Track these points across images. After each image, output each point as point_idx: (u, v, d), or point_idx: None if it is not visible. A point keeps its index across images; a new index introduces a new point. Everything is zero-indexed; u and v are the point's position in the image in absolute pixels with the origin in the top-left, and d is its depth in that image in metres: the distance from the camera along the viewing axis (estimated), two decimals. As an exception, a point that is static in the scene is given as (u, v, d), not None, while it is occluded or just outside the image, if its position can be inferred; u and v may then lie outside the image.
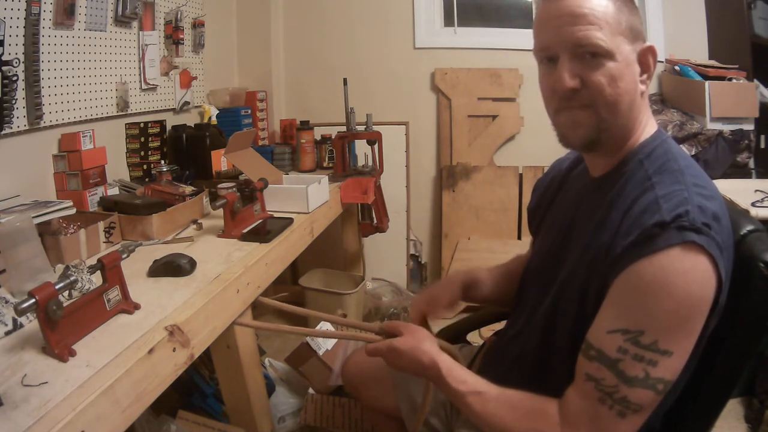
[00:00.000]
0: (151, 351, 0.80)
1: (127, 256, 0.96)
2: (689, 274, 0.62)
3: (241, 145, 1.68)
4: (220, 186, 1.64)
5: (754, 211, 1.58)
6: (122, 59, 1.77)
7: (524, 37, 2.52)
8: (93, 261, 0.92)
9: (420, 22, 2.60)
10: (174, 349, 0.87)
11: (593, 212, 0.77)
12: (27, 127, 1.39)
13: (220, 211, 1.38)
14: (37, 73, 1.40)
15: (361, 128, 2.14)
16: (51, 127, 1.48)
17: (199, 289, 1.04)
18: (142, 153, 1.83)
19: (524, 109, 2.56)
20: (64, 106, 1.52)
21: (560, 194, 0.94)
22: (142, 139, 1.83)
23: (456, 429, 1.00)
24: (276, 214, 1.56)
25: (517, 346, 0.89)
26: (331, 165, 2.29)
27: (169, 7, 2.00)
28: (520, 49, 2.47)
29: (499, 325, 1.06)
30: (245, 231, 1.38)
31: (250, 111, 2.37)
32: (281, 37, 2.72)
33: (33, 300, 0.73)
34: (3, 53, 1.29)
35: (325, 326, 1.75)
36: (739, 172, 2.20)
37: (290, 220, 1.50)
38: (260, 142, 2.44)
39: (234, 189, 1.56)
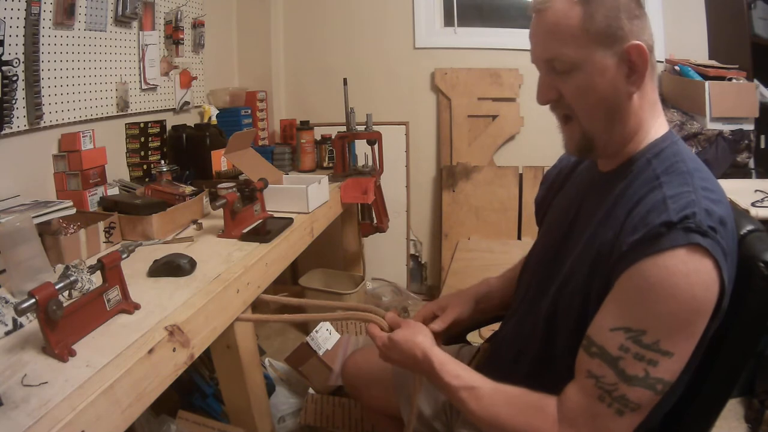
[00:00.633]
0: (151, 351, 0.80)
1: (127, 256, 0.96)
2: (692, 277, 0.62)
3: (241, 145, 1.68)
4: (220, 186, 1.64)
5: (754, 211, 1.59)
6: (122, 59, 1.77)
7: (524, 37, 2.48)
8: (93, 261, 0.92)
9: (420, 22, 2.60)
10: (174, 349, 0.87)
11: (598, 206, 0.77)
12: (27, 127, 1.39)
13: (220, 211, 1.38)
14: (37, 73, 1.40)
15: (361, 128, 2.14)
16: (51, 127, 1.48)
17: (199, 289, 1.04)
18: (142, 153, 1.83)
19: (524, 109, 2.56)
20: (64, 106, 1.52)
21: (566, 186, 0.94)
22: (142, 139, 1.83)
23: (455, 429, 1.00)
24: (276, 214, 1.56)
25: (517, 344, 0.89)
26: (331, 165, 2.30)
27: (169, 7, 2.00)
28: (520, 49, 2.47)
29: (499, 326, 1.06)
30: (245, 231, 1.38)
31: (250, 111, 2.37)
32: (281, 37, 2.72)
33: (33, 300, 0.73)
34: (3, 53, 1.29)
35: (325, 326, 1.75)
36: (739, 172, 2.20)
37: (290, 220, 1.50)
38: (260, 142, 2.44)
39: (234, 189, 1.56)
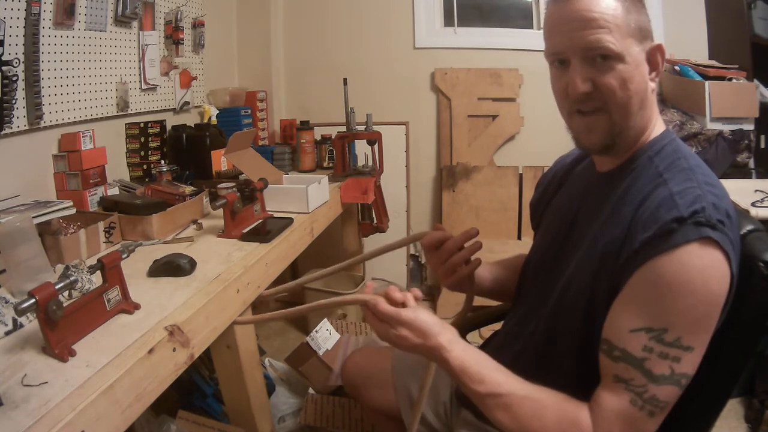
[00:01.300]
0: (151, 351, 0.80)
1: (127, 256, 0.96)
2: (707, 271, 0.62)
3: (241, 145, 1.68)
4: (220, 186, 1.64)
5: (754, 211, 1.59)
6: (122, 59, 1.77)
7: (524, 37, 2.52)
8: (93, 261, 0.92)
9: (420, 22, 2.60)
10: (174, 349, 0.87)
11: (600, 207, 0.77)
12: (27, 127, 1.39)
13: (220, 211, 1.38)
14: (37, 73, 1.40)
15: (361, 128, 2.14)
16: (51, 127, 1.48)
17: (199, 289, 1.04)
18: (142, 153, 1.83)
19: (524, 109, 2.56)
20: (64, 106, 1.52)
21: (563, 189, 0.94)
22: (142, 139, 1.83)
23: (455, 429, 1.00)
24: (276, 214, 1.56)
25: (517, 344, 0.89)
26: (331, 165, 2.30)
27: (169, 7, 2.00)
28: (520, 49, 2.47)
29: (499, 326, 1.06)
30: (245, 231, 1.38)
31: (250, 111, 2.37)
32: (281, 37, 2.72)
33: (33, 300, 0.73)
34: (3, 53, 1.29)
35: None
36: (739, 172, 2.20)
37: (290, 220, 1.50)
38: (260, 142, 2.44)
39: (234, 189, 1.56)
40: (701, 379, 0.74)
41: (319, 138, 2.32)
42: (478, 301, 1.06)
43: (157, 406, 1.32)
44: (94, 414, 0.68)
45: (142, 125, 1.83)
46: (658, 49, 0.75)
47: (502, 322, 1.06)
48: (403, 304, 0.77)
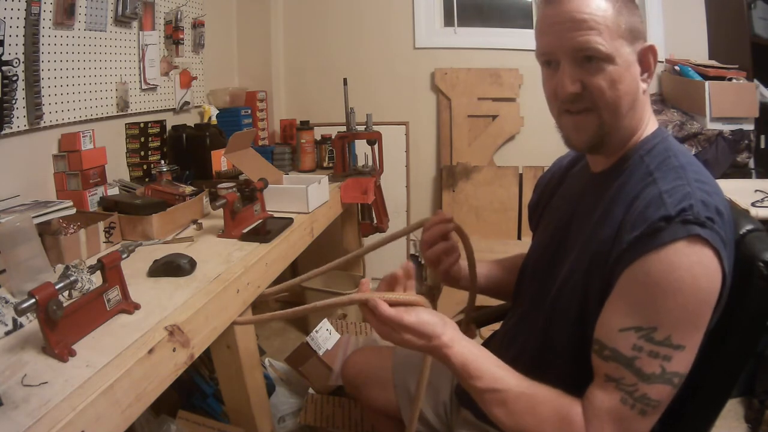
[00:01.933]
0: (151, 351, 0.80)
1: (127, 256, 0.96)
2: (696, 268, 0.62)
3: (241, 145, 1.68)
4: (220, 186, 1.64)
5: (754, 211, 1.59)
6: (122, 59, 1.77)
7: (524, 37, 2.52)
8: (93, 261, 0.92)
9: (420, 22, 2.60)
10: (174, 349, 0.87)
11: (593, 208, 0.78)
12: (27, 127, 1.39)
13: (220, 211, 1.38)
14: (37, 73, 1.40)
15: (361, 128, 2.14)
16: (51, 127, 1.48)
17: (199, 289, 1.04)
18: (142, 153, 1.83)
19: (524, 109, 2.56)
20: (64, 106, 1.52)
21: (560, 190, 0.94)
22: (142, 139, 1.83)
23: (455, 428, 1.00)
24: (276, 214, 1.56)
25: (515, 345, 0.89)
26: (331, 165, 2.29)
27: (169, 7, 2.00)
28: (520, 49, 2.47)
29: (499, 326, 1.06)
30: (245, 231, 1.38)
31: (250, 111, 2.37)
32: (281, 37, 2.72)
33: (33, 300, 0.73)
34: (3, 53, 1.29)
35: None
36: (739, 172, 2.20)
37: (290, 220, 1.50)
38: (260, 142, 2.44)
39: (234, 189, 1.56)
40: (701, 379, 0.74)
41: (319, 138, 2.32)
42: (479, 300, 1.07)
43: (157, 406, 1.32)
44: (94, 414, 0.68)
45: (142, 125, 1.83)
46: (650, 50, 0.75)
47: (501, 323, 1.06)
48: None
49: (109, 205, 1.44)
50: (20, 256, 1.00)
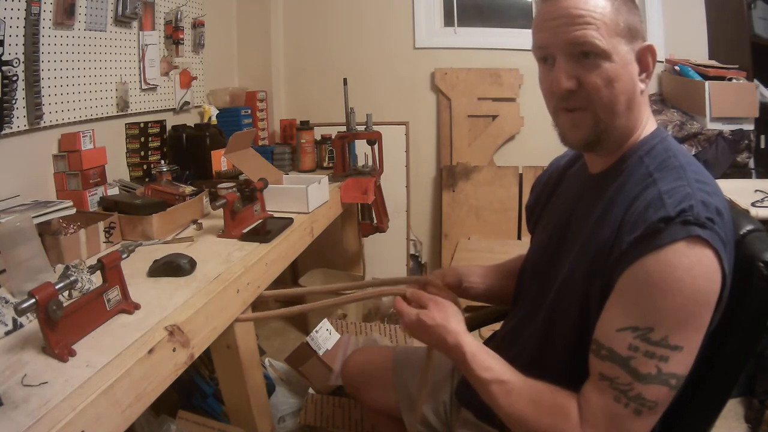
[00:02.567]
0: (151, 351, 0.80)
1: (127, 256, 0.96)
2: (695, 269, 0.62)
3: (241, 145, 1.68)
4: (220, 186, 1.64)
5: (754, 211, 1.59)
6: (122, 59, 1.77)
7: (524, 37, 2.49)
8: (93, 261, 0.92)
9: (420, 22, 2.60)
10: (174, 349, 0.87)
11: (592, 208, 0.78)
12: (27, 127, 1.39)
13: (220, 211, 1.38)
14: (37, 73, 1.40)
15: (361, 128, 2.14)
16: (51, 127, 1.48)
17: (199, 289, 1.04)
18: (142, 153, 1.83)
19: (524, 109, 2.56)
20: (64, 106, 1.52)
21: (558, 191, 0.94)
22: (142, 139, 1.83)
23: (455, 429, 1.00)
24: (276, 214, 1.56)
25: (516, 346, 0.89)
26: (331, 165, 2.29)
27: (169, 7, 2.00)
28: (520, 49, 2.47)
29: (499, 326, 1.06)
30: (245, 231, 1.38)
31: (250, 111, 2.37)
32: (281, 37, 2.72)
33: (33, 300, 0.73)
34: (3, 53, 1.29)
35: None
36: (739, 172, 2.20)
37: (290, 220, 1.50)
38: (260, 142, 2.44)
39: (234, 189, 1.56)
40: (701, 379, 0.74)
41: (319, 138, 2.32)
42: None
43: (157, 406, 1.32)
44: (94, 414, 0.68)
45: (142, 125, 1.83)
46: (649, 49, 0.74)
47: (501, 323, 1.06)
48: None
49: (109, 205, 1.44)
50: (20, 256, 1.00)
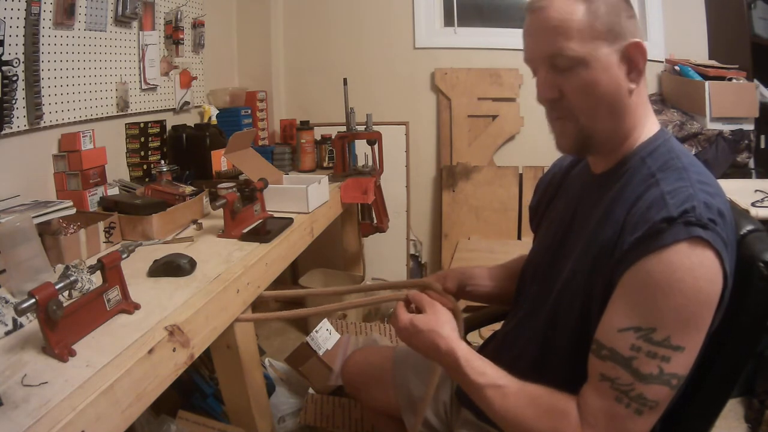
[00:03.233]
0: (151, 351, 0.80)
1: (127, 256, 0.96)
2: (697, 270, 0.62)
3: (241, 145, 1.68)
4: (220, 186, 1.64)
5: (754, 211, 1.59)
6: (122, 59, 1.77)
7: (524, 37, 2.53)
8: (93, 261, 0.92)
9: (420, 22, 2.60)
10: (174, 349, 0.87)
11: (594, 209, 0.78)
12: (27, 127, 1.39)
13: (220, 211, 1.38)
14: (37, 73, 1.40)
15: (361, 128, 2.14)
16: (51, 127, 1.48)
17: (199, 289, 1.04)
18: (142, 153, 1.83)
19: (524, 109, 2.56)
20: (64, 106, 1.52)
21: (561, 191, 0.94)
22: (142, 139, 1.83)
23: (456, 429, 1.00)
24: (276, 214, 1.56)
25: (516, 346, 0.89)
26: (331, 165, 2.30)
27: (169, 7, 2.00)
28: (520, 49, 2.43)
29: (499, 326, 1.06)
30: (245, 231, 1.38)
31: (250, 111, 2.37)
32: (281, 37, 2.72)
33: (33, 300, 0.73)
34: (3, 53, 1.29)
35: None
36: (739, 172, 2.20)
37: (290, 220, 1.50)
38: (260, 142, 2.44)
39: (234, 189, 1.56)
40: (701, 379, 0.74)
41: (319, 138, 2.32)
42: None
43: (157, 406, 1.32)
44: (94, 414, 0.68)
45: (142, 125, 1.83)
46: (635, 46, 0.72)
47: (501, 323, 1.06)
48: None
49: (109, 205, 1.44)
50: (20, 256, 1.00)
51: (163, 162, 1.75)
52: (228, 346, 1.15)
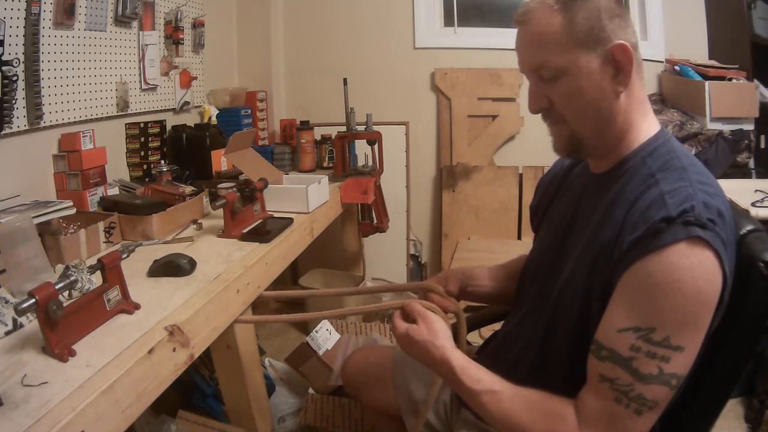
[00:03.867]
0: (151, 351, 0.80)
1: (127, 256, 0.96)
2: (696, 270, 0.62)
3: (241, 145, 1.68)
4: (220, 186, 1.64)
5: (754, 211, 1.59)
6: (122, 59, 1.77)
7: (524, 37, 2.53)
8: (93, 261, 0.92)
9: (420, 22, 2.60)
10: (174, 349, 0.87)
11: (594, 209, 0.78)
12: (27, 127, 1.39)
13: (220, 211, 1.38)
14: (37, 73, 1.40)
15: (361, 128, 2.14)
16: (51, 127, 1.48)
17: (199, 289, 1.04)
18: (142, 153, 1.83)
19: (524, 109, 2.56)
20: (64, 106, 1.52)
21: (561, 191, 0.94)
22: (142, 139, 1.83)
23: (456, 429, 1.00)
24: (276, 214, 1.56)
25: (517, 347, 0.89)
26: (331, 165, 2.29)
27: (169, 7, 2.00)
28: (520, 49, 2.47)
29: (499, 326, 1.06)
30: (245, 231, 1.38)
31: (250, 111, 2.37)
32: (281, 37, 2.72)
33: (33, 300, 0.73)
34: (3, 53, 1.29)
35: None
36: (739, 172, 2.20)
37: (290, 220, 1.50)
38: (260, 142, 2.44)
39: (234, 189, 1.56)
40: (701, 379, 0.74)
41: (319, 138, 2.32)
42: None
43: (157, 406, 1.32)
44: (94, 414, 0.68)
45: (142, 125, 1.83)
46: (619, 48, 0.71)
47: (501, 323, 1.06)
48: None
49: (109, 205, 1.44)
50: (20, 256, 1.00)
51: (163, 162, 1.75)
52: (228, 346, 1.15)
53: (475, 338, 1.47)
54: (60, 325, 0.77)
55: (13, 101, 1.33)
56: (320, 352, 1.69)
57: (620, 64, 0.72)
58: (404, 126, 2.67)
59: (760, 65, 2.22)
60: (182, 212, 1.47)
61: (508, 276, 1.07)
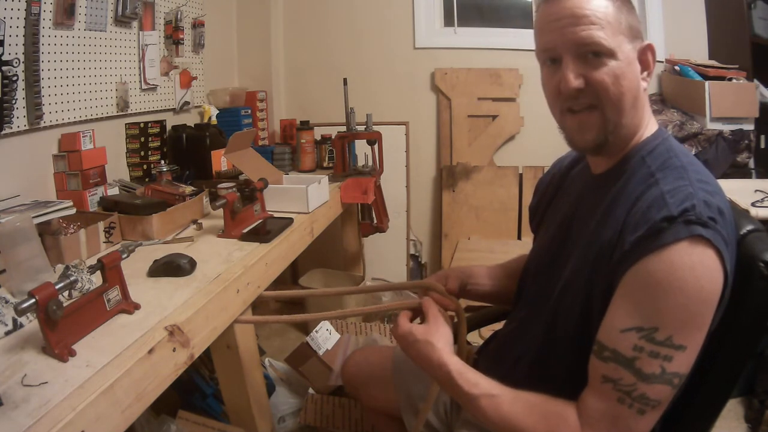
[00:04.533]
0: (151, 351, 0.80)
1: (127, 256, 0.96)
2: (698, 269, 0.62)
3: (241, 145, 1.68)
4: (220, 186, 1.64)
5: (754, 211, 1.59)
6: (122, 59, 1.77)
7: (524, 37, 2.52)
8: (93, 261, 0.92)
9: (420, 22, 2.60)
10: (174, 349, 0.87)
11: (594, 209, 0.78)
12: (27, 127, 1.39)
13: (220, 211, 1.38)
14: (37, 73, 1.40)
15: (361, 128, 2.14)
16: (51, 127, 1.48)
17: (199, 289, 1.04)
18: (142, 153, 1.83)
19: (524, 109, 2.56)
20: (64, 106, 1.52)
21: (560, 192, 0.94)
22: (142, 139, 1.83)
23: (456, 429, 1.00)
24: (276, 214, 1.56)
25: (517, 348, 0.89)
26: (331, 165, 2.29)
27: (169, 7, 2.00)
28: (520, 49, 2.47)
29: (499, 325, 1.06)
30: (245, 231, 1.38)
31: (250, 111, 2.37)
32: (281, 37, 2.72)
33: (33, 300, 0.73)
34: (3, 53, 1.29)
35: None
36: (739, 172, 2.20)
37: (290, 220, 1.50)
38: (260, 142, 2.44)
39: (234, 189, 1.56)
40: (701, 379, 0.74)
41: (319, 138, 2.32)
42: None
43: (157, 406, 1.32)
44: (94, 414, 0.68)
45: (142, 125, 1.83)
46: (649, 48, 0.76)
47: (502, 323, 1.06)
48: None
49: (109, 205, 1.44)
50: (20, 256, 1.00)
51: (163, 162, 1.75)
52: (228, 346, 1.15)
53: (475, 338, 1.47)
54: (60, 325, 0.77)
55: (13, 101, 1.33)
56: (320, 352, 1.69)
57: (648, 64, 0.76)
58: (404, 126, 2.67)
59: (760, 65, 2.22)
60: (182, 212, 1.47)
61: (506, 275, 1.07)
